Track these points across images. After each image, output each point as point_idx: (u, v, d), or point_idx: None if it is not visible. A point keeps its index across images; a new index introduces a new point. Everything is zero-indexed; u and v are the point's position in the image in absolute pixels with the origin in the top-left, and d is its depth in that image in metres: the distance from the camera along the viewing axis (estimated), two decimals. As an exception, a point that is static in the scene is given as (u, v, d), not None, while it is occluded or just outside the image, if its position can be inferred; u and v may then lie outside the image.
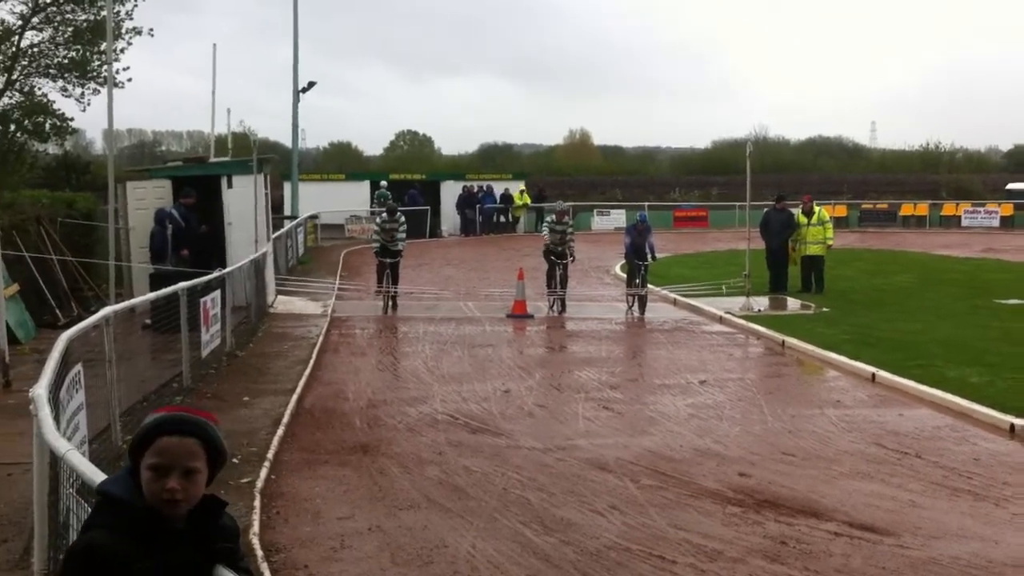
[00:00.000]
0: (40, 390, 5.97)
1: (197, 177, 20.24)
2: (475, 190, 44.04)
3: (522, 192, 44.73)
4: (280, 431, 10.28)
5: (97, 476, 4.06)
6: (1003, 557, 7.17)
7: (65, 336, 7.94)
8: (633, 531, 7.65)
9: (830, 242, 23.07)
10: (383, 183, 43.35)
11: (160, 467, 2.79)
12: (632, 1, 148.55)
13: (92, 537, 2.78)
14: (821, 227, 22.75)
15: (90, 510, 4.00)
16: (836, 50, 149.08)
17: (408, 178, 46.57)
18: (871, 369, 13.61)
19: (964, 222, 46.52)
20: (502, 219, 44.56)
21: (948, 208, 48.33)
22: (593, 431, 10.79)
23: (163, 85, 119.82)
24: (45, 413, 5.61)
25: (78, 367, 8.19)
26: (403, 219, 21.62)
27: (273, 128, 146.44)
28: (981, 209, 47.38)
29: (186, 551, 2.78)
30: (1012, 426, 10.71)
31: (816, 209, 23.18)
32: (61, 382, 7.15)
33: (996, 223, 45.92)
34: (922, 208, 48.40)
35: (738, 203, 40.69)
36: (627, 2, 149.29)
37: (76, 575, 2.75)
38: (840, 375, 14.05)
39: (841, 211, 45.69)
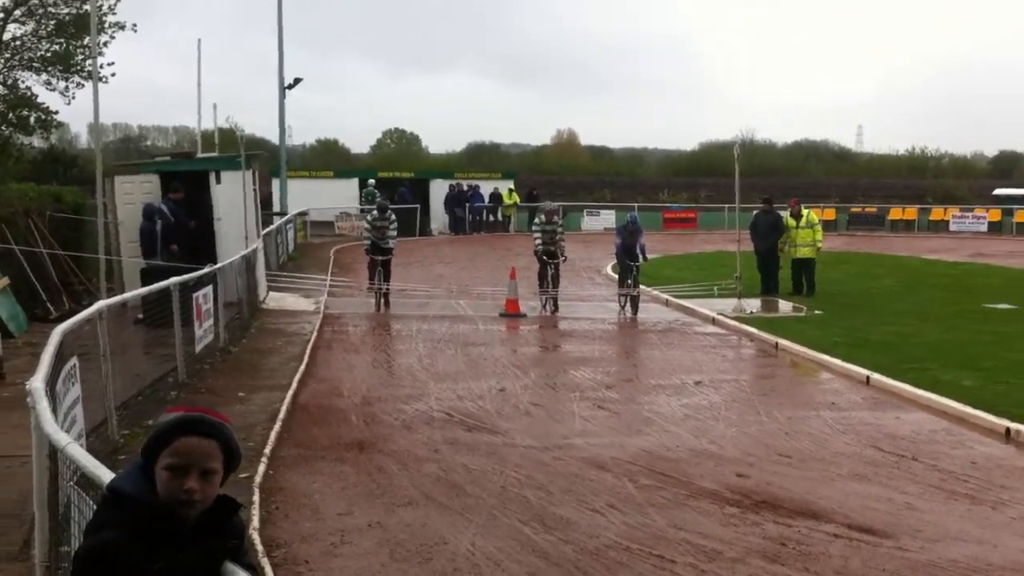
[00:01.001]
0: (37, 383, 5.93)
1: (185, 172, 20.18)
2: (465, 188, 44.01)
3: (511, 191, 44.74)
4: (277, 427, 10.24)
5: (98, 469, 4.04)
6: (1001, 560, 7.19)
7: (59, 329, 7.91)
8: (632, 530, 7.64)
9: (820, 245, 23.10)
10: (370, 181, 43.37)
11: (179, 467, 2.78)
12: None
13: (107, 537, 2.75)
14: (811, 230, 22.79)
15: (93, 504, 3.98)
16: (822, 53, 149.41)
17: (397, 176, 46.51)
18: (865, 372, 13.62)
19: (952, 226, 46.74)
20: (491, 218, 44.54)
21: (936, 212, 48.56)
22: (590, 430, 10.78)
23: (147, 79, 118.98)
24: (43, 406, 5.57)
25: (73, 360, 8.17)
26: (394, 217, 21.64)
27: (259, 124, 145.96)
28: (969, 214, 47.63)
29: (198, 550, 2.77)
30: (1008, 430, 10.72)
31: (804, 212, 23.25)
32: (57, 375, 7.13)
33: (984, 228, 46.17)
34: (911, 212, 48.62)
35: (727, 205, 40.81)
36: (612, 0, 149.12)
37: (93, 573, 2.72)
38: (834, 377, 14.07)
39: (830, 214, 45.86)
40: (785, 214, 23.32)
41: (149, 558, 2.68)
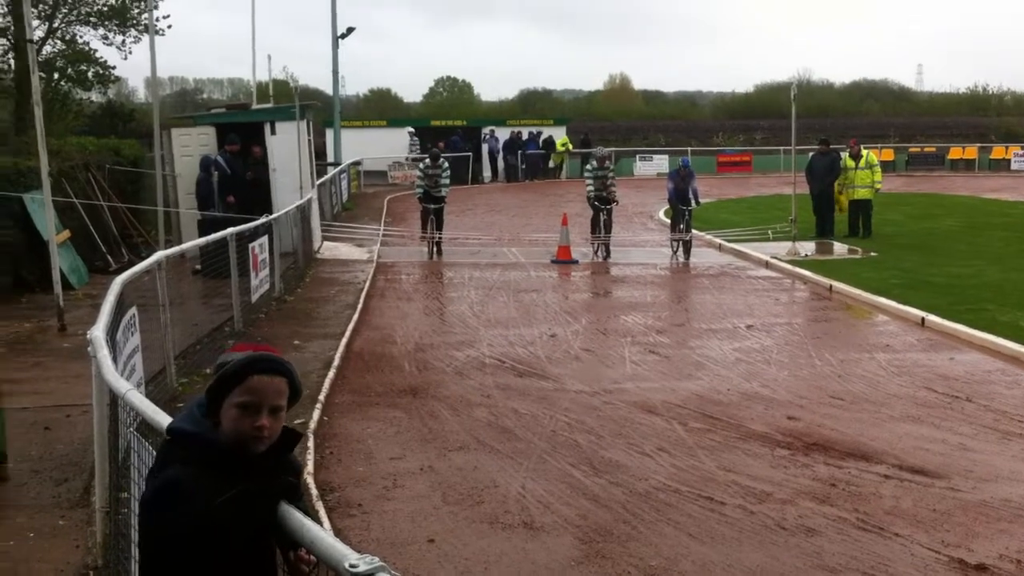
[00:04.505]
0: (98, 332, 6.03)
1: (240, 124, 20.36)
2: (525, 136, 43.64)
3: (564, 144, 44.44)
4: (331, 374, 10.42)
5: (157, 415, 4.12)
6: (1055, 500, 7.15)
7: (119, 280, 8.05)
8: (682, 473, 7.70)
9: (878, 186, 22.75)
10: (409, 129, 43.38)
11: (251, 405, 2.85)
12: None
13: (174, 473, 2.83)
14: (869, 171, 22.43)
15: (152, 450, 4.08)
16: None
17: (449, 124, 46.39)
18: (921, 313, 13.49)
19: (1014, 165, 45.65)
20: (542, 165, 44.24)
21: (997, 151, 47.45)
22: (640, 375, 10.82)
23: (203, 31, 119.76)
24: (104, 354, 5.66)
25: (132, 310, 8.33)
26: (446, 165, 21.67)
27: (313, 75, 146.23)
28: (1031, 152, 46.49)
29: (260, 482, 2.84)
30: (1064, 370, 10.61)
31: (864, 152, 22.86)
32: (117, 325, 7.26)
33: (1047, 167, 45.04)
34: (971, 151, 47.58)
35: (783, 147, 40.32)
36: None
37: (162, 509, 2.81)
38: (889, 319, 13.95)
39: (888, 155, 45.00)
40: (844, 155, 22.97)
41: (214, 492, 2.76)
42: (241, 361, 2.90)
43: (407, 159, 40.85)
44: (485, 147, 43.61)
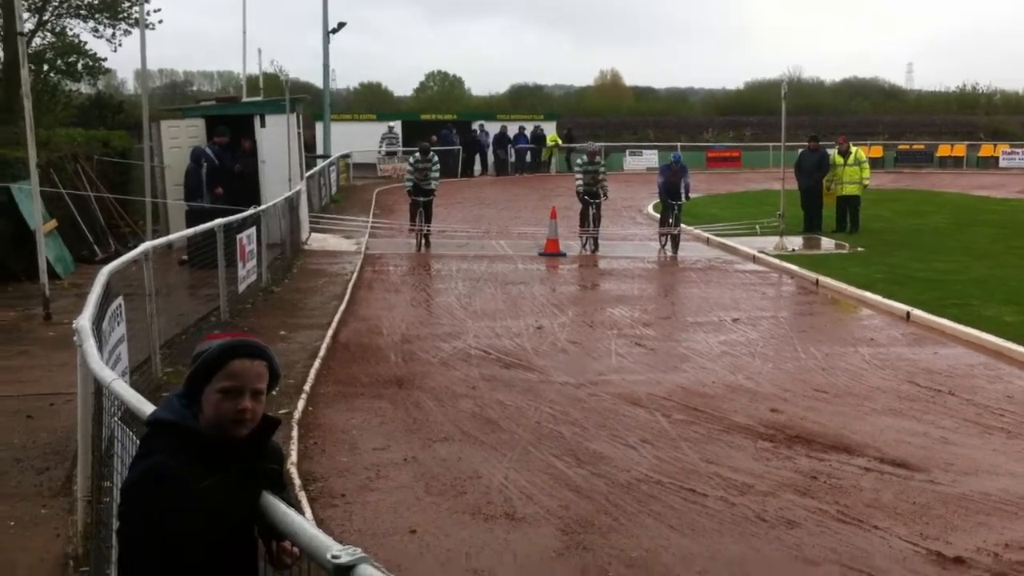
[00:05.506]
0: (84, 321, 6.02)
1: (230, 116, 20.33)
2: (517, 131, 43.67)
3: (553, 140, 44.56)
4: (316, 364, 10.42)
5: (143, 404, 4.12)
6: (1034, 493, 7.20)
7: (106, 270, 8.04)
8: (664, 464, 7.73)
9: (867, 182, 22.83)
10: (390, 124, 43.42)
11: (233, 389, 2.88)
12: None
13: (157, 460, 2.84)
14: (858, 167, 22.53)
15: (136, 439, 4.09)
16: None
17: (439, 118, 46.34)
18: (906, 308, 13.55)
19: (1002, 163, 45.78)
20: (532, 159, 44.30)
21: (986, 149, 47.55)
22: (625, 367, 10.85)
23: (193, 24, 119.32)
24: (90, 343, 5.66)
25: (119, 300, 8.32)
26: (436, 159, 21.71)
27: (304, 68, 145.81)
28: (1020, 150, 46.54)
29: (243, 468, 2.86)
30: (1046, 365, 10.66)
31: (853, 149, 22.93)
32: (103, 314, 7.25)
33: (1035, 164, 45.14)
34: (959, 149, 47.67)
35: (772, 144, 40.38)
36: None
37: (144, 498, 2.82)
38: (874, 314, 14.00)
39: (877, 152, 45.11)
40: (833, 151, 23.04)
41: (196, 479, 2.78)
42: (221, 346, 2.93)
43: (380, 154, 41.00)
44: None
